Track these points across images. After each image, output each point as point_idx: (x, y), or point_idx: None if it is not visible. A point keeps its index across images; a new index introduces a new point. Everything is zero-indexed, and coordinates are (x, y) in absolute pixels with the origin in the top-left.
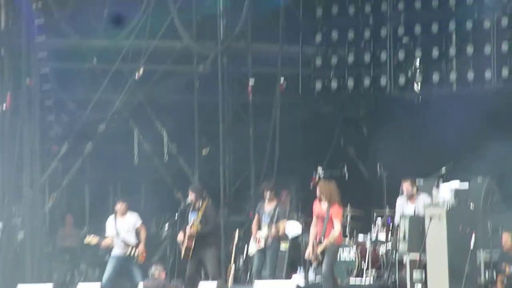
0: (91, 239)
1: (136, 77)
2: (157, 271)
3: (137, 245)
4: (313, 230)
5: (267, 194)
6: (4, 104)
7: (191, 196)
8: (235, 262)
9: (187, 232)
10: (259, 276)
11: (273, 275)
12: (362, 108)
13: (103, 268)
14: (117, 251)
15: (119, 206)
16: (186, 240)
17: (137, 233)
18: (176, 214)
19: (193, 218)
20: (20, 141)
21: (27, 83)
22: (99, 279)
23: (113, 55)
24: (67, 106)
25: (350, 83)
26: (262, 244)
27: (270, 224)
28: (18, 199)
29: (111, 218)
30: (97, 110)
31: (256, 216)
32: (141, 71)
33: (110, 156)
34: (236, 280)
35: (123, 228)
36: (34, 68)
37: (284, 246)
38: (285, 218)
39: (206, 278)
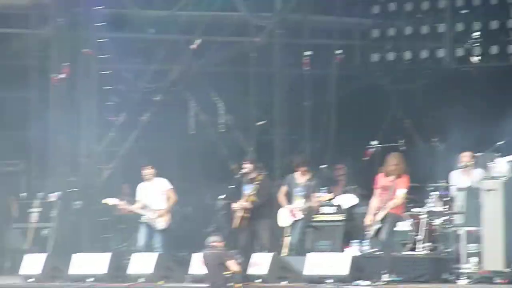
0: (108, 200)
1: (193, 48)
2: (215, 241)
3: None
4: (374, 200)
5: (301, 168)
6: (62, 75)
7: (247, 167)
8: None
9: (241, 203)
10: (299, 247)
11: (301, 247)
12: (419, 80)
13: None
14: (143, 216)
15: (144, 172)
16: (240, 211)
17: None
18: (231, 185)
19: (248, 190)
20: (77, 111)
21: (85, 53)
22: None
23: (170, 26)
24: (124, 76)
25: (407, 55)
26: (298, 216)
27: (305, 196)
28: (75, 169)
29: (141, 184)
30: (154, 80)
31: (284, 189)
32: (197, 42)
33: (166, 126)
34: (290, 251)
35: (149, 193)
36: (92, 38)
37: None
38: (319, 191)
39: (260, 249)
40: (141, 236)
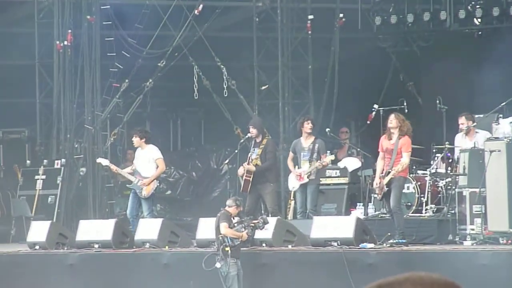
0: (101, 160)
1: (196, 13)
2: (228, 205)
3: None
4: (380, 163)
5: (306, 130)
6: (65, 41)
7: (252, 131)
8: (294, 197)
9: (246, 166)
10: (303, 211)
11: (315, 209)
12: (421, 43)
13: (166, 203)
14: (132, 182)
15: (133, 139)
16: (245, 174)
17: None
18: (236, 149)
19: (253, 153)
20: (81, 78)
21: (88, 19)
22: (160, 214)
23: None
24: (127, 43)
25: (410, 17)
26: (305, 179)
27: (310, 159)
28: (80, 135)
29: (138, 149)
30: (157, 46)
31: (290, 154)
32: (200, 7)
33: (170, 92)
34: (295, 215)
35: (140, 159)
36: (95, 4)
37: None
38: (326, 152)
39: (266, 213)
40: (129, 203)
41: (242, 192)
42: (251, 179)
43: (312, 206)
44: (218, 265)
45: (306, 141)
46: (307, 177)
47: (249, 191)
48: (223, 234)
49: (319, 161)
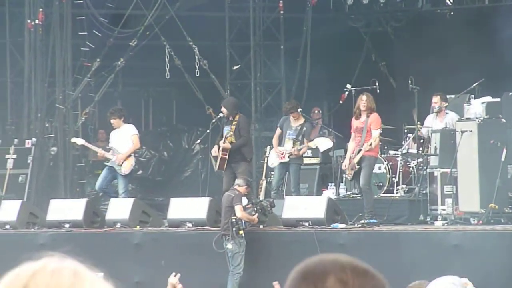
0: (76, 140)
1: None
2: (237, 184)
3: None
4: (351, 144)
5: (293, 113)
6: (36, 20)
7: (222, 111)
8: (266, 177)
9: (221, 144)
10: (278, 189)
11: (297, 190)
12: (393, 23)
13: (137, 183)
14: (110, 160)
15: (112, 121)
16: (221, 152)
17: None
18: (208, 129)
19: (227, 131)
20: (52, 57)
21: None
22: (132, 194)
23: None
24: (98, 21)
25: None
26: (286, 159)
27: (295, 140)
28: (51, 115)
29: (113, 131)
30: (129, 25)
31: (278, 131)
32: None
33: (141, 72)
34: (267, 195)
35: (118, 138)
36: None
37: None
38: (311, 137)
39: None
40: (100, 176)
41: (218, 171)
42: (227, 156)
43: (295, 186)
44: (229, 246)
45: (295, 121)
46: (288, 157)
47: (224, 170)
48: (239, 218)
49: (296, 148)
